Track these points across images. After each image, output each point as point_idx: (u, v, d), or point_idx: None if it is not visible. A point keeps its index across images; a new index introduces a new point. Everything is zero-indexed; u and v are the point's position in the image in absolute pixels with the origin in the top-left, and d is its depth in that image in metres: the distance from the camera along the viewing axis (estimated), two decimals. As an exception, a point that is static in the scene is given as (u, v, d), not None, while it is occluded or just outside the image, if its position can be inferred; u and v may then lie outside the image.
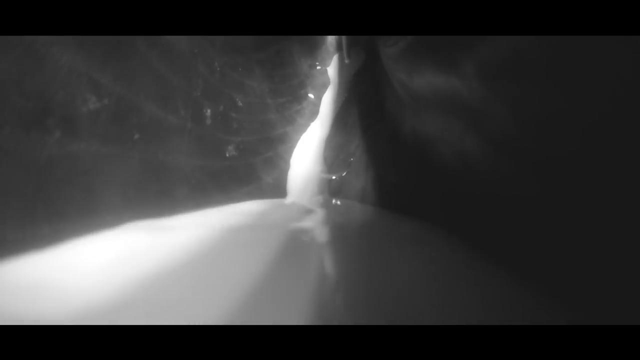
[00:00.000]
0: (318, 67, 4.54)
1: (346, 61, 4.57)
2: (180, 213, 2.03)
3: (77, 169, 1.49)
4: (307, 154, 3.96)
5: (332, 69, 4.65)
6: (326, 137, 4.16)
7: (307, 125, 4.16)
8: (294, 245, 2.01)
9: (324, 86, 4.51)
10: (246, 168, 3.05)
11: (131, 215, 1.69)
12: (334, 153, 3.96)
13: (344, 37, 4.56)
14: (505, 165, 1.55)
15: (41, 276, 1.15)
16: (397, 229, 2.40)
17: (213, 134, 2.68)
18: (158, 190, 1.96)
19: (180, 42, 2.36)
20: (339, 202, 3.53)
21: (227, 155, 2.86)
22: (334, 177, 3.80)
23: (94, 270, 1.28)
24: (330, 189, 3.75)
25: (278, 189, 3.46)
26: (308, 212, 3.09)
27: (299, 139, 4.01)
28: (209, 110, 2.64)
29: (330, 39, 4.71)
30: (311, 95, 4.35)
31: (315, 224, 2.62)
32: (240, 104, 3.11)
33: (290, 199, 3.46)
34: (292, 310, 1.27)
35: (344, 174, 3.67)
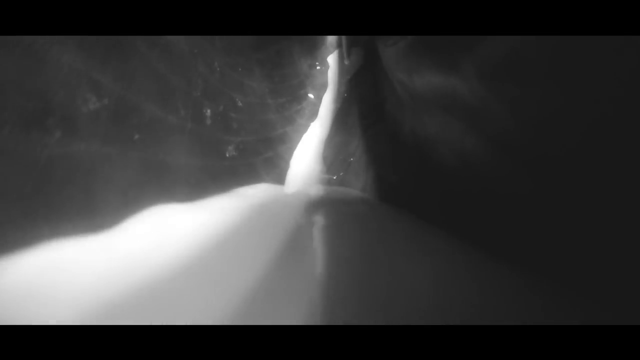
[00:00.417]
0: (318, 67, 4.54)
1: (346, 62, 4.57)
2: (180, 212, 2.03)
3: (77, 169, 1.49)
4: (307, 153, 3.96)
5: (332, 69, 4.65)
6: (326, 137, 4.16)
7: (307, 125, 4.16)
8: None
9: (324, 86, 4.51)
10: (246, 168, 3.04)
11: (131, 215, 1.69)
12: (334, 153, 3.96)
13: (344, 37, 4.56)
14: (505, 164, 1.56)
15: (40, 275, 1.15)
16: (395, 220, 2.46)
17: (213, 134, 2.68)
18: (158, 190, 1.96)
19: (180, 42, 2.36)
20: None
21: (227, 155, 2.86)
22: (334, 178, 3.80)
23: (93, 270, 1.28)
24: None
25: (278, 189, 3.45)
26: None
27: (299, 139, 4.01)
28: (209, 110, 2.64)
29: (330, 39, 4.71)
30: (311, 95, 4.35)
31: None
32: (240, 104, 3.11)
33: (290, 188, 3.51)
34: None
35: (344, 174, 3.67)
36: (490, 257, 1.55)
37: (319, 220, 2.64)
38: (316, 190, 3.47)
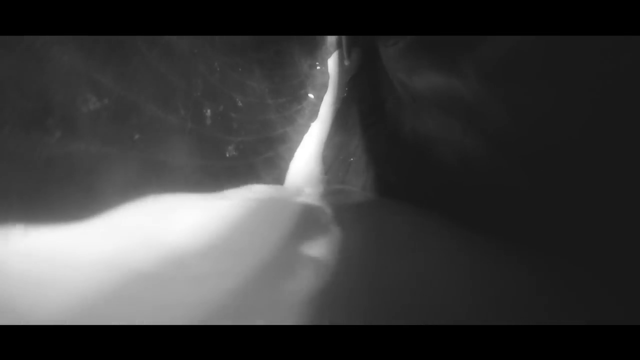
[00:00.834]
0: (318, 68, 4.54)
1: (346, 63, 4.57)
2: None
3: (77, 169, 1.49)
4: (307, 154, 3.96)
5: (332, 69, 4.64)
6: (326, 137, 4.16)
7: (307, 126, 4.16)
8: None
9: (324, 86, 4.51)
10: (246, 168, 3.04)
11: (131, 214, 1.69)
12: (334, 153, 3.96)
13: (344, 37, 4.56)
14: (503, 161, 1.57)
15: (41, 275, 1.15)
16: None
17: (213, 134, 2.68)
18: (158, 191, 1.96)
19: (180, 42, 2.36)
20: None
21: (227, 155, 2.86)
22: (335, 178, 3.80)
23: (91, 268, 1.28)
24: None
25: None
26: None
27: (299, 139, 4.01)
28: (209, 110, 2.64)
29: (330, 39, 4.70)
30: (311, 96, 4.35)
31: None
32: (240, 104, 3.11)
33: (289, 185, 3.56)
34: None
35: (344, 174, 3.67)
36: (490, 240, 1.61)
37: (319, 213, 2.64)
38: (316, 188, 3.49)
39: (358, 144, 3.68)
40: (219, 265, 1.51)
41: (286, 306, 1.23)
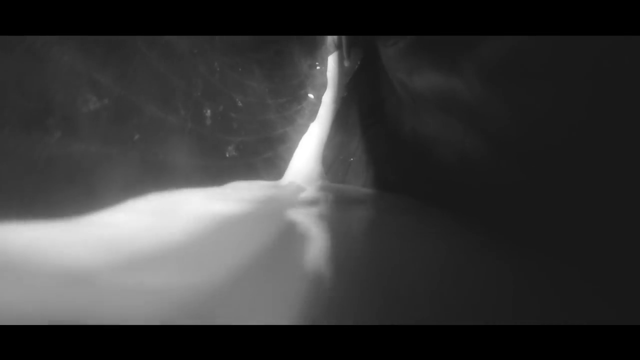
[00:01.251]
0: (318, 68, 4.54)
1: (346, 64, 4.57)
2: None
3: (78, 169, 1.49)
4: (307, 154, 3.96)
5: (331, 69, 4.64)
6: (326, 137, 4.16)
7: (307, 126, 4.16)
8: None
9: (324, 86, 4.50)
10: (246, 168, 3.05)
11: (131, 214, 1.69)
12: (334, 153, 3.95)
13: (343, 37, 4.56)
14: (502, 160, 1.58)
15: (41, 275, 1.15)
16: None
17: (213, 134, 2.68)
18: (158, 191, 1.96)
19: (180, 42, 2.36)
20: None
21: (227, 155, 2.86)
22: (335, 177, 3.80)
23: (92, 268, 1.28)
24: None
25: (278, 189, 3.45)
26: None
27: (299, 139, 4.00)
28: (209, 110, 2.64)
29: (330, 39, 4.70)
30: (311, 96, 4.34)
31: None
32: (240, 104, 3.11)
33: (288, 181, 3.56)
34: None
35: (344, 174, 3.67)
36: (490, 240, 1.63)
37: (318, 207, 2.64)
38: (315, 186, 3.50)
39: (358, 144, 3.68)
40: (218, 261, 1.50)
41: (284, 301, 1.22)
